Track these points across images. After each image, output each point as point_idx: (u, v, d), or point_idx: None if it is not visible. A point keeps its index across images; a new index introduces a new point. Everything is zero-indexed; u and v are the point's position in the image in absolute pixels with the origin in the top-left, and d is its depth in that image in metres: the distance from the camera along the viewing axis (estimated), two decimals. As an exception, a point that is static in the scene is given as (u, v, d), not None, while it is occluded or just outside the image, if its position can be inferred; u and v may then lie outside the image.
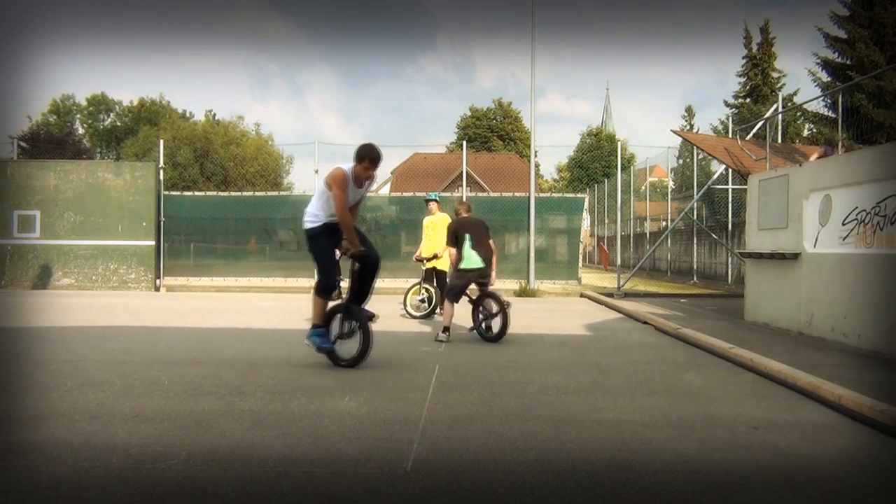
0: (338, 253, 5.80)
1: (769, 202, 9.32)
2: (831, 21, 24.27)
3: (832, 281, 7.74)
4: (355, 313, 5.73)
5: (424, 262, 9.63)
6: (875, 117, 19.27)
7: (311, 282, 15.34)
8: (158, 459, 3.26)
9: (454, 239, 7.73)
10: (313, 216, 5.72)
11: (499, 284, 15.44)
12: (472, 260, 7.63)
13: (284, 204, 16.59)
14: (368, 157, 5.55)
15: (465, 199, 8.55)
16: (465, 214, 8.00)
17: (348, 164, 5.57)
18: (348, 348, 5.71)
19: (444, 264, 9.63)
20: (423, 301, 9.63)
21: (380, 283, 16.62)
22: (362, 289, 5.87)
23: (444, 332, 7.44)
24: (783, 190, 8.89)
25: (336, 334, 5.77)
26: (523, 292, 14.79)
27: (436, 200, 10.07)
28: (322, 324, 5.74)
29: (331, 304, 5.81)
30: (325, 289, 5.72)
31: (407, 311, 9.70)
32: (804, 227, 8.31)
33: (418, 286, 9.69)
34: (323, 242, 5.72)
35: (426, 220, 9.98)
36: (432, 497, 2.89)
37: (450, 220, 9.91)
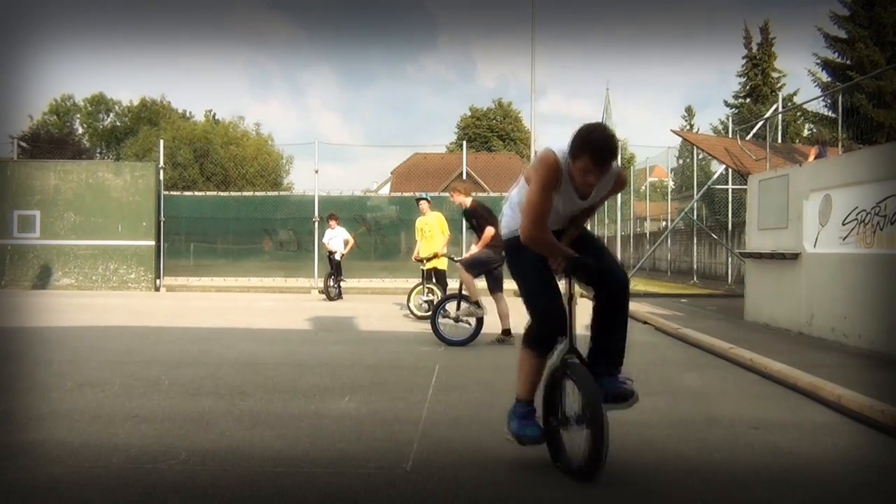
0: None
1: (769, 202, 9.31)
2: (831, 21, 24.31)
3: (832, 281, 7.74)
4: (586, 387, 3.05)
5: (424, 262, 9.62)
6: (875, 117, 19.28)
7: (310, 282, 15.38)
8: (158, 459, 3.26)
9: (489, 218, 7.40)
10: (510, 220, 3.45)
11: (499, 284, 15.48)
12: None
13: (284, 204, 16.60)
14: (589, 150, 3.00)
15: (462, 180, 8.17)
16: (471, 195, 7.81)
17: (564, 152, 3.12)
18: (578, 442, 3.12)
19: (443, 263, 9.64)
20: (427, 301, 9.61)
21: (380, 282, 16.67)
22: (608, 338, 3.29)
23: (478, 306, 7.19)
24: (783, 190, 8.89)
25: (559, 418, 3.24)
26: (523, 292, 14.76)
27: (427, 200, 10.02)
28: (526, 396, 3.35)
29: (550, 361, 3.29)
30: (537, 339, 3.29)
31: (410, 310, 9.68)
32: (804, 227, 8.31)
33: (422, 286, 9.65)
34: (529, 259, 3.31)
35: (419, 221, 9.95)
36: (432, 497, 2.89)
37: (442, 218, 9.92)
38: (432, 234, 9.63)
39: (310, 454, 3.41)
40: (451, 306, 7.42)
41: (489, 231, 7.35)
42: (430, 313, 9.40)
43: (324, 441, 3.63)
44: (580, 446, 3.05)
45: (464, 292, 7.36)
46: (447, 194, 9.96)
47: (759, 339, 7.81)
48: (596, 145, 3.00)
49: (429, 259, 9.54)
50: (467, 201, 7.80)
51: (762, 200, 9.56)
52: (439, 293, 9.53)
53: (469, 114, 49.50)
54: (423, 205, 9.89)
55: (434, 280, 9.61)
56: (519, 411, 3.34)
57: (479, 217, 7.62)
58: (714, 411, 4.46)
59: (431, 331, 7.31)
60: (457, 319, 7.33)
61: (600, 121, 3.20)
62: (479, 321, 7.24)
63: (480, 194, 19.25)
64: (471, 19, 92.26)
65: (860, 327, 7.18)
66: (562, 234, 3.37)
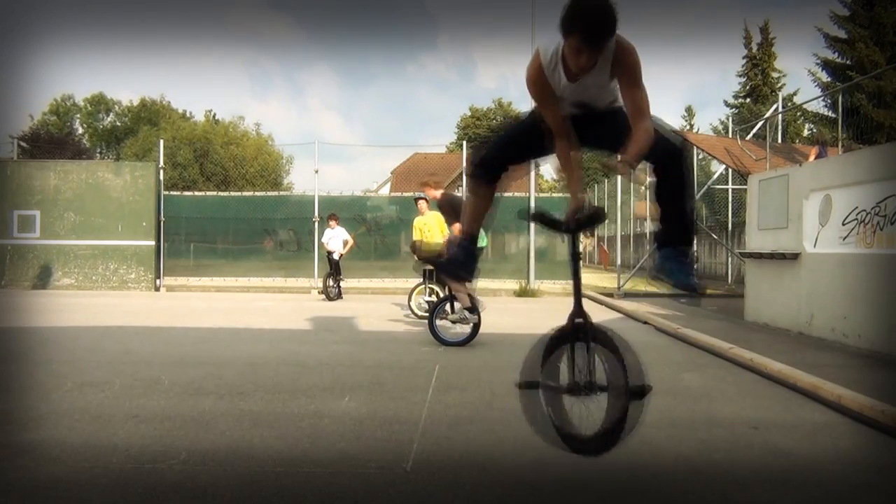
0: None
1: (769, 202, 9.31)
2: (831, 21, 24.33)
3: (832, 281, 7.74)
4: (608, 346, 2.82)
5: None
6: (875, 117, 19.29)
7: (310, 282, 15.39)
8: (158, 459, 3.26)
9: (458, 214, 7.20)
10: None
11: (499, 284, 15.52)
12: (484, 239, 7.41)
13: (284, 204, 16.59)
14: (579, 25, 2.44)
15: (434, 173, 8.00)
16: (443, 189, 7.62)
17: (553, 44, 2.67)
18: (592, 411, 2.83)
19: None
20: (428, 301, 9.59)
21: (380, 282, 16.68)
22: (663, 209, 3.08)
23: (473, 311, 7.12)
24: (783, 190, 8.89)
25: (567, 384, 2.88)
26: (523, 292, 14.81)
27: (426, 199, 9.99)
28: (467, 228, 3.25)
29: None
30: (477, 162, 3.07)
31: (411, 310, 9.66)
32: (804, 227, 8.31)
33: (423, 286, 9.63)
34: (526, 124, 3.04)
35: (418, 221, 9.93)
36: (432, 497, 2.89)
37: (441, 218, 9.87)
38: (432, 234, 9.62)
39: (310, 454, 3.41)
40: (448, 308, 7.41)
41: (455, 229, 7.29)
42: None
43: (324, 441, 3.63)
44: (591, 416, 2.78)
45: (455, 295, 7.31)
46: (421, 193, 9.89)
47: (759, 339, 7.81)
48: (586, 20, 2.42)
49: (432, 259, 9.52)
50: (437, 194, 7.66)
51: (762, 200, 9.56)
52: (441, 293, 9.52)
53: (469, 114, 49.52)
54: (422, 204, 9.85)
55: (435, 280, 9.59)
56: (457, 242, 3.26)
57: (444, 213, 7.50)
58: (714, 411, 4.46)
59: (428, 331, 7.30)
60: (454, 321, 7.30)
61: None
62: (476, 324, 7.21)
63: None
64: (471, 19, 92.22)
65: (860, 327, 7.18)
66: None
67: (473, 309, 7.22)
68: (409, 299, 9.80)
